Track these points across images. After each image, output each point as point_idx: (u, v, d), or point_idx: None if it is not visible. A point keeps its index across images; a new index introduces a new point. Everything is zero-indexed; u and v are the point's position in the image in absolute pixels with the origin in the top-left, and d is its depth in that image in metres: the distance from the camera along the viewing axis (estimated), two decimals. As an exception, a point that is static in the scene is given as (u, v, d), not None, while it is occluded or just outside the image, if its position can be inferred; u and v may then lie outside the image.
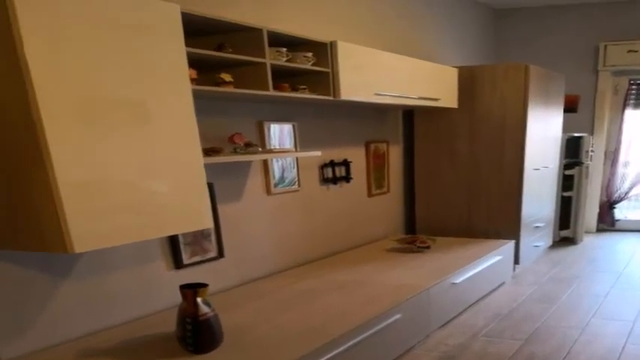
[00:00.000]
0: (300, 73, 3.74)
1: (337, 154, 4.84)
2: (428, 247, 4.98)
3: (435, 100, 5.02)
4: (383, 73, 4.31)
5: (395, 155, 5.71)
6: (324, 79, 3.83)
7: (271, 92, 3.39)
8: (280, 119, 4.18)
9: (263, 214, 4.15)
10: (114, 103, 2.42)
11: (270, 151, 3.89)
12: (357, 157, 5.09)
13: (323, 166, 4.69)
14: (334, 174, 4.81)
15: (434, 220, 5.92)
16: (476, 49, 7.06)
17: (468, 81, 5.49)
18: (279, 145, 4.15)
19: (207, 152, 3.24)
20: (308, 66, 3.69)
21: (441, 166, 5.79)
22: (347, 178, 4.96)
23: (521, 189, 5.55)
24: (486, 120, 5.52)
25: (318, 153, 4.04)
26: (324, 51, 3.80)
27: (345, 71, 3.89)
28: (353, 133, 5.02)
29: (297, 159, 4.38)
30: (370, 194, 5.34)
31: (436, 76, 5.06)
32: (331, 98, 3.86)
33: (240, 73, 3.33)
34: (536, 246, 6.21)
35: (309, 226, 4.61)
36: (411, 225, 6.08)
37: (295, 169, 4.38)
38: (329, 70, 3.81)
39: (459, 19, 6.63)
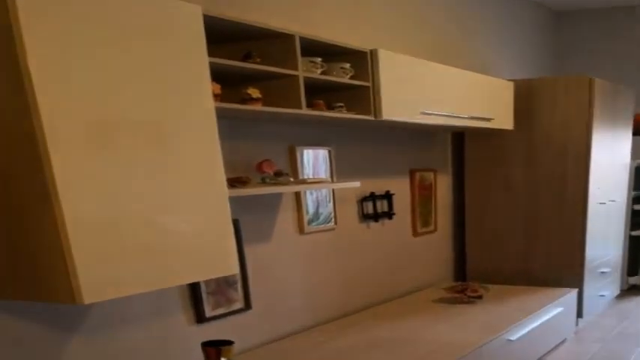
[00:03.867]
0: (334, 88, 3.68)
1: (378, 185, 4.77)
2: (480, 297, 4.89)
3: (488, 120, 4.94)
4: (430, 88, 4.27)
5: (443, 186, 5.65)
6: (362, 95, 3.78)
7: (305, 111, 3.33)
8: (314, 143, 4.12)
9: (295, 257, 4.08)
10: (128, 124, 2.37)
11: (304, 182, 3.79)
12: (400, 189, 5.03)
13: (362, 200, 4.62)
14: (375, 209, 4.74)
15: (486, 264, 5.82)
16: (534, 58, 7.04)
17: (524, 97, 5.44)
18: (313, 174, 4.09)
19: (232, 183, 3.16)
20: (346, 79, 3.62)
21: (494, 200, 5.70)
22: (389, 214, 4.88)
23: (584, 227, 5.46)
24: (545, 144, 5.46)
25: (357, 184, 3.98)
26: (362, 61, 3.75)
27: (388, 86, 3.84)
28: (395, 159, 4.98)
29: (333, 191, 4.31)
30: (416, 233, 5.27)
31: (490, 92, 5.02)
32: (372, 118, 3.79)
33: (266, 87, 3.27)
34: (602, 296, 6.11)
35: (348, 271, 4.54)
36: (461, 269, 6.00)
37: (331, 203, 4.31)
38: (369, 84, 3.74)
39: (515, 23, 6.61)
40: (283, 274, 3.98)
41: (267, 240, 3.85)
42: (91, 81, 2.23)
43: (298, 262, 4.09)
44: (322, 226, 4.23)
